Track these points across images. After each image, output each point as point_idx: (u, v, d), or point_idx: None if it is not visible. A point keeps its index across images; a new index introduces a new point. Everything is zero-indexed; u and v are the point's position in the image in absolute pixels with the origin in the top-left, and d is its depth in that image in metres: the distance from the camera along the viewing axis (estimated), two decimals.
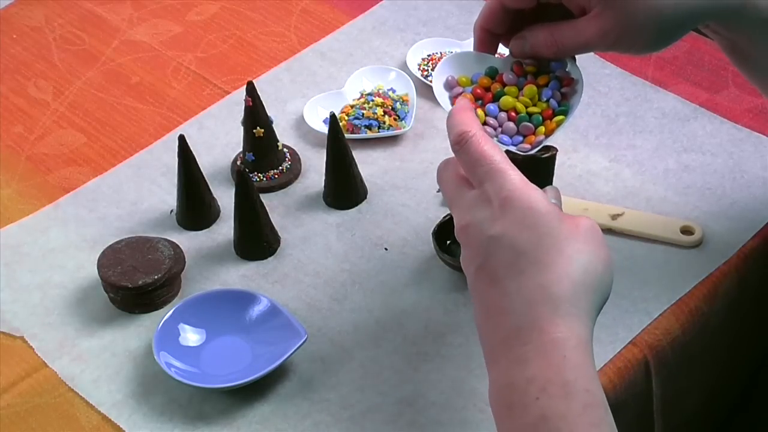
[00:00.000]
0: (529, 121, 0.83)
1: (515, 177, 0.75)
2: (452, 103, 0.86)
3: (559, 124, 0.83)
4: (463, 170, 0.78)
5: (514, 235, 0.73)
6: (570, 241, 0.73)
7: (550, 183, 0.82)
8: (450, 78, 0.87)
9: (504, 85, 0.86)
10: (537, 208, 0.73)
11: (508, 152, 0.79)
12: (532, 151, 0.82)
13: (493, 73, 0.87)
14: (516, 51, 0.86)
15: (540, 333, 0.71)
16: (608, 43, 0.81)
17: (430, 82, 1.14)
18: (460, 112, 0.80)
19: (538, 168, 0.81)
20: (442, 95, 0.87)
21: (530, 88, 0.85)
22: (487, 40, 0.86)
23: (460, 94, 0.86)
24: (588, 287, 0.73)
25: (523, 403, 0.70)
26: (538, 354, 0.71)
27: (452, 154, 1.08)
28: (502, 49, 0.88)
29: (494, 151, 0.76)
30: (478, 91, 0.86)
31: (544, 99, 0.85)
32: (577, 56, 0.86)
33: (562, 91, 0.85)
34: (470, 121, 0.78)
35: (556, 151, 0.86)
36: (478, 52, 0.87)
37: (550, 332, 0.71)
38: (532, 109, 0.84)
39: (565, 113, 0.84)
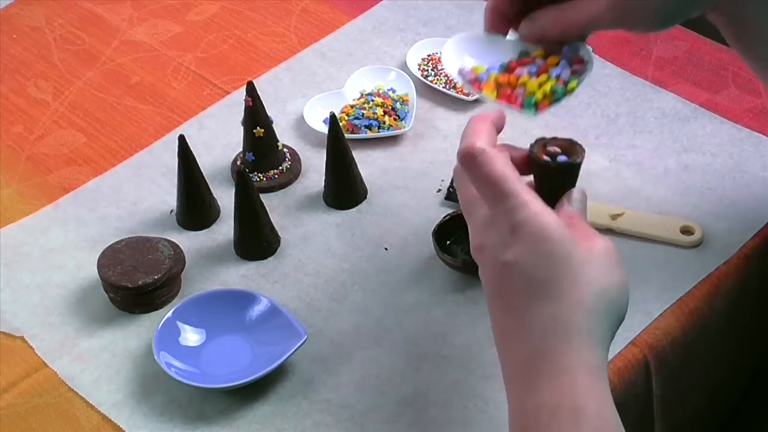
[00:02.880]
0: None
1: (527, 199, 0.73)
2: (472, 86, 0.86)
3: (573, 89, 0.83)
4: (474, 186, 0.76)
5: (527, 263, 0.72)
6: (584, 267, 0.72)
7: (574, 185, 0.79)
8: (463, 69, 0.86)
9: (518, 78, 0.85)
10: (550, 235, 0.72)
11: (542, 162, 0.77)
12: (544, 107, 0.81)
13: (506, 67, 0.86)
14: (525, 34, 0.84)
15: (552, 362, 0.71)
16: (615, 19, 0.80)
17: (431, 82, 1.14)
18: (478, 122, 0.77)
19: (567, 174, 0.79)
20: (457, 78, 0.86)
21: (544, 77, 0.84)
22: (497, 22, 0.85)
23: (475, 80, 0.85)
24: (602, 315, 0.72)
25: (536, 429, 0.70)
26: (549, 382, 0.70)
27: (450, 154, 1.08)
28: None
29: (506, 171, 0.74)
30: (500, 79, 0.85)
31: (553, 76, 0.84)
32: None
33: (573, 69, 0.84)
34: (483, 135, 0.76)
35: (584, 153, 0.80)
36: (488, 33, 0.86)
37: (561, 361, 0.70)
38: (545, 87, 0.83)
39: (577, 81, 0.83)
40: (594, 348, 0.71)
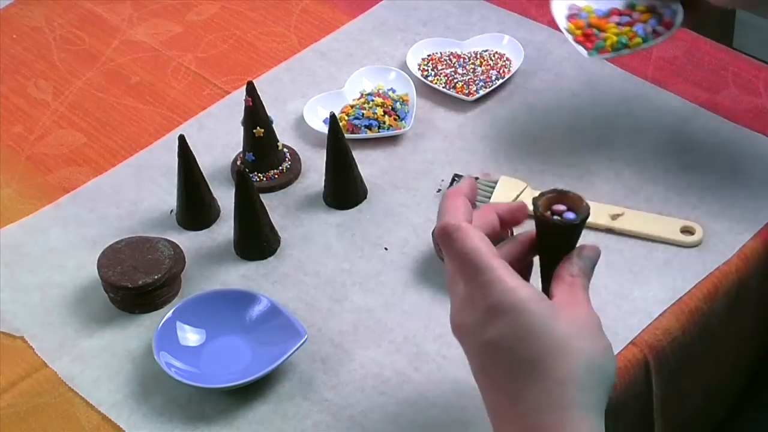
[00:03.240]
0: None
1: (501, 274, 0.72)
2: (568, 23, 1.02)
3: (636, 45, 0.99)
4: (451, 263, 0.75)
5: (508, 341, 0.71)
6: (569, 339, 0.71)
7: (578, 240, 0.77)
8: (574, 5, 1.03)
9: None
10: (527, 308, 0.71)
11: (556, 223, 0.76)
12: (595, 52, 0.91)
13: (608, 13, 1.02)
14: None
15: None
16: None
17: (431, 82, 1.14)
18: (451, 198, 0.77)
19: (580, 229, 0.77)
20: (559, 14, 1.03)
21: (627, 30, 1.00)
22: None
23: (574, 15, 1.02)
24: (592, 384, 0.71)
25: None
26: None
27: (450, 154, 1.08)
28: None
29: (480, 246, 0.73)
30: (592, 21, 1.01)
31: (634, 30, 0.99)
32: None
33: (657, 29, 0.99)
34: (458, 212, 0.75)
35: (582, 199, 0.78)
36: None
37: None
38: (614, 38, 1.00)
39: (645, 40, 0.99)
40: (586, 418, 0.71)
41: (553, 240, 0.77)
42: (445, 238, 0.74)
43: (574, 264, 0.75)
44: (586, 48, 1.00)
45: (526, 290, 0.72)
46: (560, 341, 0.71)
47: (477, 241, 0.73)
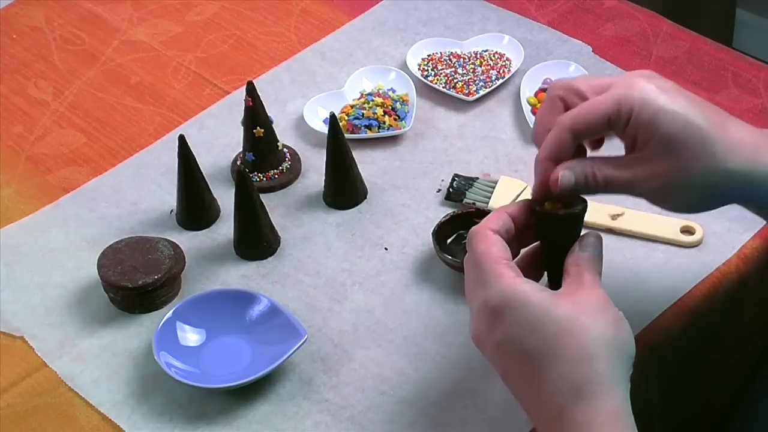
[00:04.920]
0: None
1: (500, 272, 0.75)
2: (535, 95, 1.10)
3: None
4: (467, 270, 0.78)
5: (516, 337, 0.74)
6: (572, 322, 0.73)
7: (579, 233, 0.80)
8: (549, 78, 1.11)
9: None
10: (527, 303, 0.73)
11: (551, 215, 0.79)
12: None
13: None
14: (563, 185, 0.79)
15: (569, 422, 0.72)
16: (652, 188, 0.80)
17: (431, 82, 1.14)
18: (495, 211, 0.80)
19: (578, 222, 0.80)
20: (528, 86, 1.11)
21: None
22: (550, 170, 0.80)
23: (544, 89, 1.09)
24: (605, 358, 0.73)
25: None
26: None
27: (450, 154, 1.08)
28: None
29: (489, 249, 0.76)
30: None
31: None
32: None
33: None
34: (491, 219, 0.78)
35: (586, 202, 0.81)
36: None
37: (577, 418, 0.71)
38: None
39: None
40: (605, 392, 0.72)
41: (555, 234, 0.79)
42: (468, 242, 0.78)
43: (577, 255, 0.78)
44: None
45: (524, 285, 0.74)
46: (564, 324, 0.73)
47: (488, 244, 0.76)
